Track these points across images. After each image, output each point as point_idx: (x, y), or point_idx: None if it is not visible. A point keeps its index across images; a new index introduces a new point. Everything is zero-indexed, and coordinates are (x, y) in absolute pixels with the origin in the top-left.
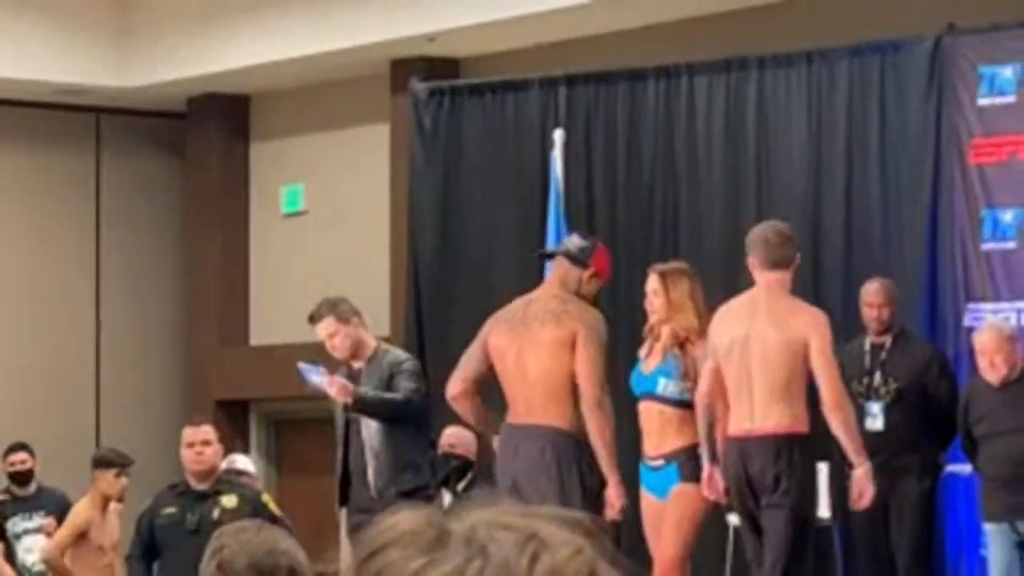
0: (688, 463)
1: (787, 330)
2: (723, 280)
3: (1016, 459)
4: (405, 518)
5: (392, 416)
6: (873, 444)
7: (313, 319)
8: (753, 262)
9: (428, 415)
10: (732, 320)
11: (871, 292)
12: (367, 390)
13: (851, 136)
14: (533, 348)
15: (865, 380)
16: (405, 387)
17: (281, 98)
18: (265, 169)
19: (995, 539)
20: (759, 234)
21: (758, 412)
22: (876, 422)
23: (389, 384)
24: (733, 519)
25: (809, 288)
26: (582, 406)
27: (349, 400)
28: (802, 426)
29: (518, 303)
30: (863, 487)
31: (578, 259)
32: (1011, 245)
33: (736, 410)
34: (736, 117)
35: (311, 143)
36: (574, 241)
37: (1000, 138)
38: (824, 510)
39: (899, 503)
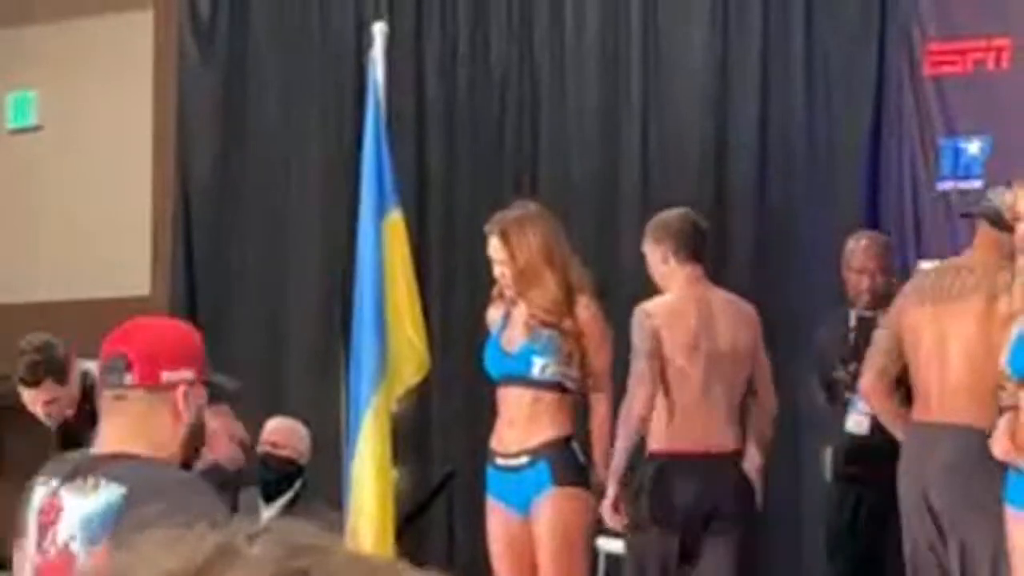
0: (562, 461)
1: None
2: (596, 223)
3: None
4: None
5: None
6: (858, 452)
7: (26, 383)
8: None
9: None
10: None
11: (860, 253)
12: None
13: (767, 37)
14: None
15: (852, 367)
16: None
17: None
18: None
19: None
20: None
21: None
22: (862, 424)
23: None
24: (604, 544)
25: (712, 235)
26: None
27: None
28: None
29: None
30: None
31: (1003, 219)
32: (977, 184)
33: (693, 423)
34: (616, 7)
35: (47, 36)
36: (1000, 196)
37: (964, 42)
38: None
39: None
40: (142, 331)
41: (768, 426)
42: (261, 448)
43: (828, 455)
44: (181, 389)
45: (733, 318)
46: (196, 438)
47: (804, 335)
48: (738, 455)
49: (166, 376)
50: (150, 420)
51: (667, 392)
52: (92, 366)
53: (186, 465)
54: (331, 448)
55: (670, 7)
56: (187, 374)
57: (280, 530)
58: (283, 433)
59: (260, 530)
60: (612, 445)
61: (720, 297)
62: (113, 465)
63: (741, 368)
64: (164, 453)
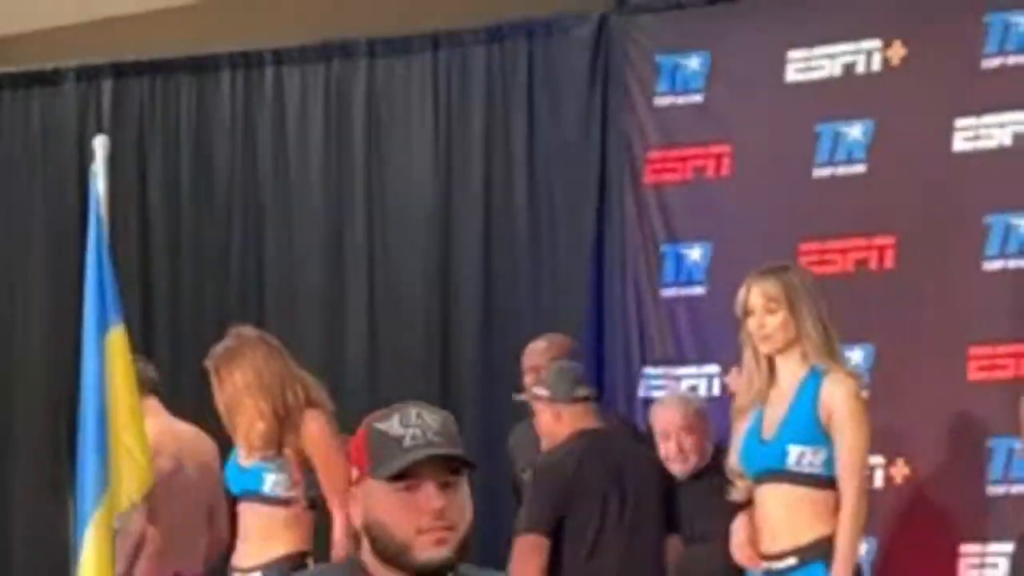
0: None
1: None
2: (322, 333)
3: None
4: None
5: None
6: None
7: None
8: None
9: None
10: None
11: (536, 352)
12: None
13: (490, 144)
14: None
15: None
16: None
17: None
18: None
19: None
20: None
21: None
22: None
23: None
24: None
25: (436, 349)
26: None
27: None
28: None
29: None
30: None
31: None
32: (699, 291)
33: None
34: (339, 118)
35: None
36: None
37: (684, 150)
38: None
39: None
40: None
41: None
42: None
43: None
44: None
45: (200, 447)
46: None
47: None
48: None
49: None
50: None
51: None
52: None
53: None
54: (60, 573)
55: (392, 118)
56: None
57: None
58: None
59: None
60: None
61: (183, 428)
62: None
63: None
64: None
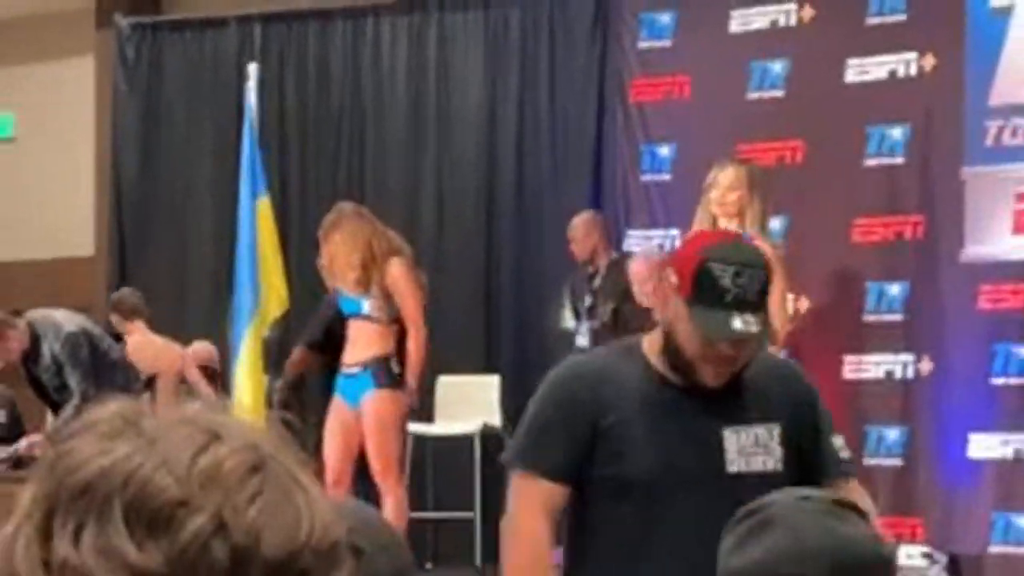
0: (382, 371)
1: None
2: (404, 207)
3: None
4: (104, 409)
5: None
6: None
7: None
8: None
9: (106, 362)
10: None
11: (572, 227)
12: (51, 428)
13: (524, 75)
14: None
15: (580, 305)
16: (73, 383)
17: None
18: None
19: None
20: None
21: None
22: (584, 340)
23: (60, 372)
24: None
25: (483, 216)
26: None
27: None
28: None
29: None
30: None
31: None
32: (666, 177)
33: None
34: (418, 56)
35: (21, 73)
36: None
37: (657, 78)
38: None
39: None
40: None
41: None
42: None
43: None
44: None
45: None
46: None
47: (551, 285)
48: None
49: None
50: None
51: None
52: (37, 315)
53: None
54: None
55: (455, 57)
56: None
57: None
58: (209, 351)
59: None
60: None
61: (157, 339)
62: None
63: None
64: None
